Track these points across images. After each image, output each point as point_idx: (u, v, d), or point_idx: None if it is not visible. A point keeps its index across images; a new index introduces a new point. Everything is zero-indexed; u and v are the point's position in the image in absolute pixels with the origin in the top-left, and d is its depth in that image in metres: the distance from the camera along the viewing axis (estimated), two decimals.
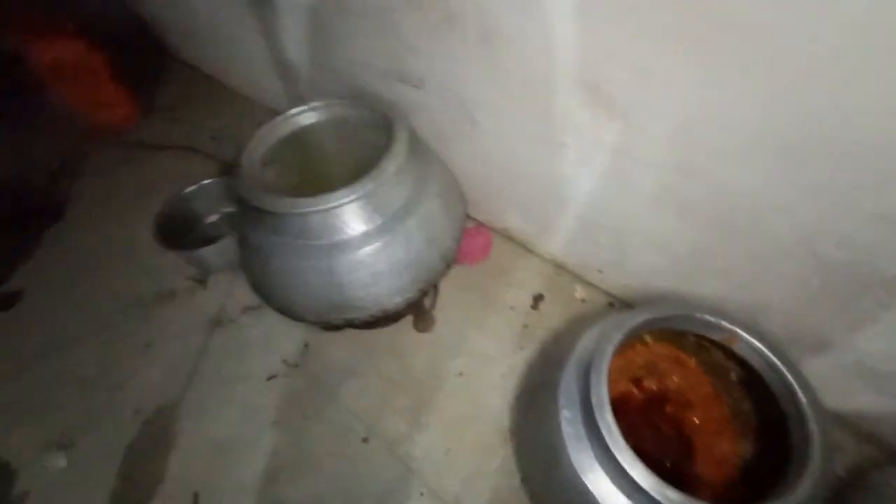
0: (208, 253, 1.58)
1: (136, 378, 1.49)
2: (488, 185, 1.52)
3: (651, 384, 1.08)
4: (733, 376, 1.01)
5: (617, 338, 0.86)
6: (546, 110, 1.13)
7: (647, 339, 1.09)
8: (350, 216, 0.99)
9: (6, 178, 1.96)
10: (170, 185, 1.98)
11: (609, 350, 0.83)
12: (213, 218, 1.78)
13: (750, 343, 0.89)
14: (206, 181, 1.73)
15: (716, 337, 0.93)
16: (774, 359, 0.86)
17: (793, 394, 0.82)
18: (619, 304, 1.49)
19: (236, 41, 2.02)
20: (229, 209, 1.79)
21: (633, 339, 0.99)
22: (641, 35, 0.85)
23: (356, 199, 0.96)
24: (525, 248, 1.66)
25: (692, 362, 1.08)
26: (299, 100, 1.19)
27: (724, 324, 0.90)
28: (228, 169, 2.10)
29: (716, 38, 0.78)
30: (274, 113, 1.17)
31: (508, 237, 1.68)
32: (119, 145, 2.30)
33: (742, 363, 0.93)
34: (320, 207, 0.95)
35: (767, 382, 0.88)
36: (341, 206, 0.96)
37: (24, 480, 1.31)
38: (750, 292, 1.10)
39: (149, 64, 2.71)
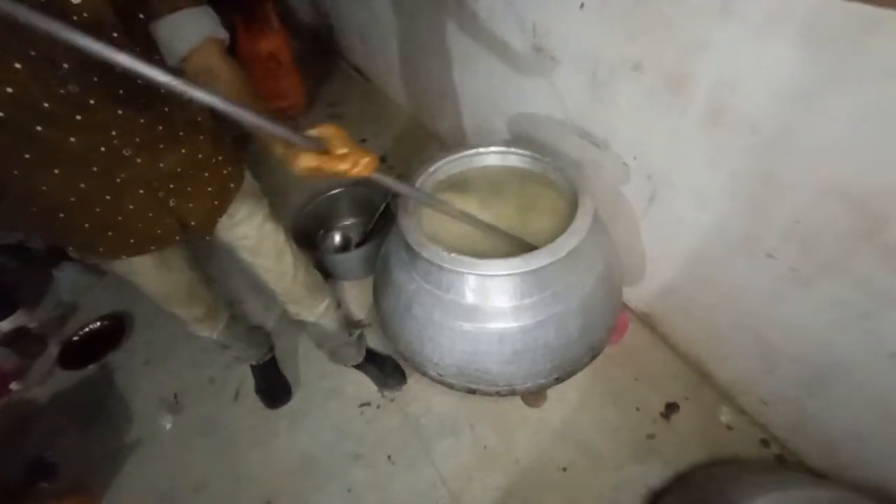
0: (338, 261, 1.59)
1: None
2: (645, 267, 1.33)
3: None
4: None
5: None
6: (771, 215, 0.94)
7: None
8: (512, 286, 0.88)
9: None
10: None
11: None
12: (344, 223, 1.80)
13: None
14: (352, 187, 1.75)
15: None
16: None
17: None
18: (779, 447, 1.20)
19: (412, 62, 2.06)
20: (363, 219, 1.79)
21: None
22: None
23: (525, 273, 0.85)
24: (666, 341, 1.43)
25: None
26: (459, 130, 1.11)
27: None
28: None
29: None
30: (433, 136, 1.10)
31: (649, 324, 1.47)
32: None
33: None
34: (484, 272, 0.86)
35: None
36: (508, 275, 0.86)
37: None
38: None
39: (324, 63, 2.93)
